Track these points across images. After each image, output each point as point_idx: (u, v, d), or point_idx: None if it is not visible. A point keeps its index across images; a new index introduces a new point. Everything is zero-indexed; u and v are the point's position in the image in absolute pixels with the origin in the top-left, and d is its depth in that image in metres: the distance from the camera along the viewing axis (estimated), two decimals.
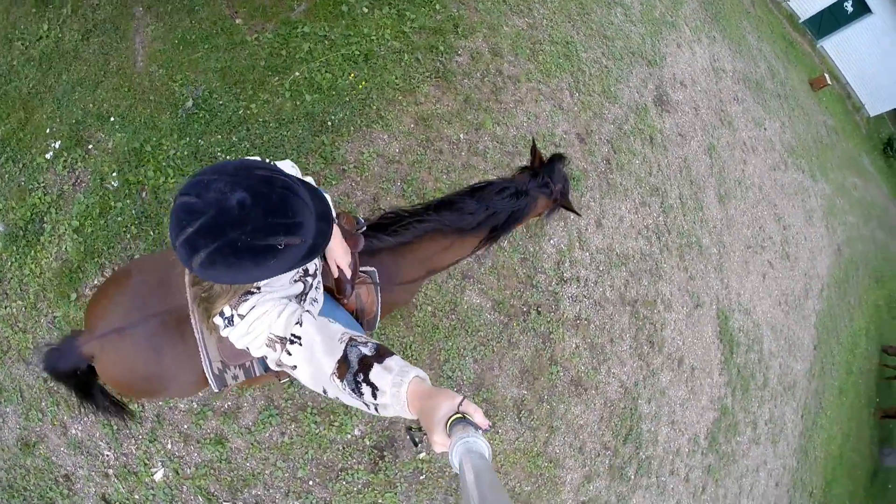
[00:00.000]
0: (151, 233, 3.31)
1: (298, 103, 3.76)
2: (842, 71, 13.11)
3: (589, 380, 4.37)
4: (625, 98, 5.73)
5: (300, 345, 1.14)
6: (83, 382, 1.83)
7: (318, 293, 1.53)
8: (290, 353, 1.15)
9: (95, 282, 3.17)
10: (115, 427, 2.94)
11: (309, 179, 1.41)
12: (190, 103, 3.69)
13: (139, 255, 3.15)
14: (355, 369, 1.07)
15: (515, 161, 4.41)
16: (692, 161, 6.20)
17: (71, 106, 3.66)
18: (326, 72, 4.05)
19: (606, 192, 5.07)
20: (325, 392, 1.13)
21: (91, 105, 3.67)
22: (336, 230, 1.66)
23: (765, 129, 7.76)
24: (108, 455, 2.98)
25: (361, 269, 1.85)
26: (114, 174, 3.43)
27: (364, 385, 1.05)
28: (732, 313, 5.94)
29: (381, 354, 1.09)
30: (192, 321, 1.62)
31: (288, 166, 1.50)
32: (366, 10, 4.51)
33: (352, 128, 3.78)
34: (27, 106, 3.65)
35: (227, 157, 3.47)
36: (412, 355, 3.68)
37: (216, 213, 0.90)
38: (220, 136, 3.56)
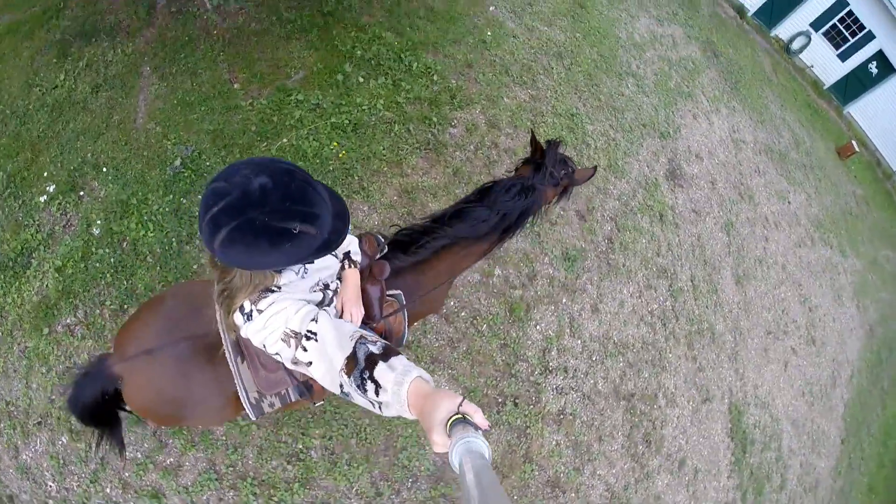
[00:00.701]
0: (125, 282, 3.37)
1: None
2: (870, 136, 12.34)
3: (569, 481, 3.87)
4: (633, 172, 5.31)
5: (315, 340, 1.15)
6: (107, 409, 1.82)
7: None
8: (305, 350, 1.15)
9: (68, 320, 3.25)
10: (62, 461, 2.98)
11: None
12: (178, 162, 3.76)
13: (176, 282, 3.28)
14: (362, 366, 1.07)
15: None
16: (707, 239, 5.69)
17: (72, 153, 3.83)
18: (314, 140, 4.00)
19: (606, 273, 4.69)
20: (341, 389, 1.11)
21: (90, 154, 3.83)
22: (355, 278, 1.70)
23: (789, 202, 7.18)
24: (51, 486, 2.99)
25: (388, 293, 1.85)
26: (99, 222, 3.54)
27: (369, 382, 1.05)
28: (747, 407, 5.31)
29: (388, 353, 1.08)
30: (227, 353, 1.62)
31: None
32: (361, 79, 4.45)
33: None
34: (35, 148, 3.85)
35: None
36: (367, 438, 3.35)
37: (240, 195, 0.96)
38: (201, 197, 3.46)
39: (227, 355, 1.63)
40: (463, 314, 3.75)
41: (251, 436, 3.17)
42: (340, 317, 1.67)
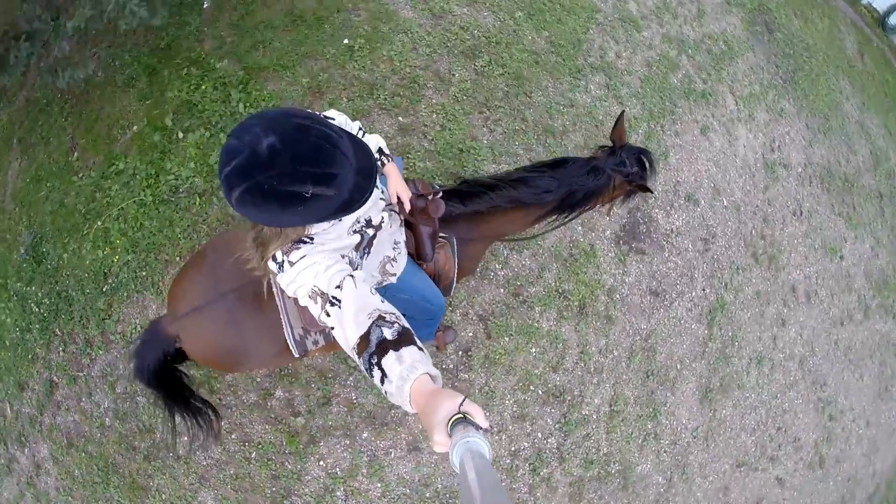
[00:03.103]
0: None
1: (94, 258, 3.11)
2: None
3: None
4: (549, 237, 3.37)
5: (339, 307, 1.03)
6: (172, 375, 1.79)
7: (400, 255, 1.56)
8: (328, 315, 1.05)
9: None
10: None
11: (356, 125, 1.43)
12: (23, 249, 3.32)
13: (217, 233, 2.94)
14: (372, 350, 0.95)
15: None
16: (665, 337, 3.67)
17: None
18: (122, 222, 3.16)
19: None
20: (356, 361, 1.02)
21: None
22: (394, 168, 1.59)
23: (841, 257, 4.55)
24: None
25: (441, 234, 1.74)
26: None
27: (376, 368, 0.93)
28: None
29: (400, 342, 0.94)
30: (274, 290, 1.54)
31: (334, 115, 1.41)
32: (181, 134, 3.28)
33: (125, 294, 3.04)
34: None
35: (44, 314, 3.16)
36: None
37: (249, 155, 0.87)
38: (36, 287, 3.23)
39: (274, 290, 1.53)
40: (234, 436, 2.89)
41: None
42: (391, 205, 1.58)
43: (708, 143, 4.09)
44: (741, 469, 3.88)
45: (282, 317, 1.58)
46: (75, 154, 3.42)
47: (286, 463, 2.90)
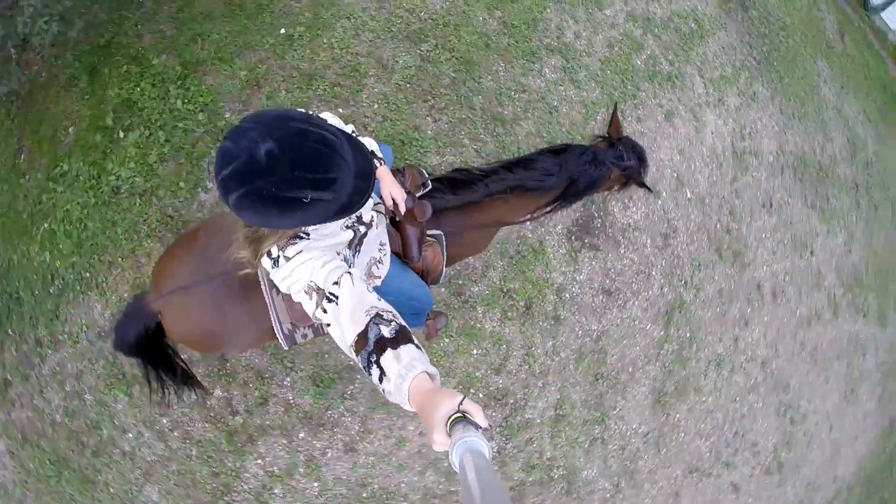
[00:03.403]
0: None
1: (41, 260, 2.91)
2: None
3: None
4: (500, 232, 2.85)
5: (336, 304, 0.99)
6: (153, 345, 1.72)
7: (385, 257, 1.52)
8: (325, 311, 1.01)
9: None
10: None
11: (349, 128, 1.38)
12: None
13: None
14: (370, 348, 0.92)
15: None
16: (618, 338, 3.43)
17: None
18: (67, 223, 2.93)
19: (383, 402, 2.93)
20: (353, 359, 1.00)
21: None
22: (386, 171, 1.56)
23: (812, 252, 4.30)
24: None
25: (429, 233, 1.67)
26: None
27: (374, 366, 0.91)
28: None
29: (399, 340, 0.92)
30: (262, 285, 1.51)
31: (328, 117, 1.37)
32: (121, 134, 3.00)
33: (70, 295, 2.85)
34: None
35: None
36: None
37: (246, 161, 0.83)
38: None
39: (262, 286, 1.50)
40: (176, 433, 2.79)
41: None
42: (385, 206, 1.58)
43: (672, 130, 3.76)
44: (694, 475, 3.65)
45: (270, 311, 1.53)
46: (22, 156, 3.17)
47: (226, 461, 2.80)
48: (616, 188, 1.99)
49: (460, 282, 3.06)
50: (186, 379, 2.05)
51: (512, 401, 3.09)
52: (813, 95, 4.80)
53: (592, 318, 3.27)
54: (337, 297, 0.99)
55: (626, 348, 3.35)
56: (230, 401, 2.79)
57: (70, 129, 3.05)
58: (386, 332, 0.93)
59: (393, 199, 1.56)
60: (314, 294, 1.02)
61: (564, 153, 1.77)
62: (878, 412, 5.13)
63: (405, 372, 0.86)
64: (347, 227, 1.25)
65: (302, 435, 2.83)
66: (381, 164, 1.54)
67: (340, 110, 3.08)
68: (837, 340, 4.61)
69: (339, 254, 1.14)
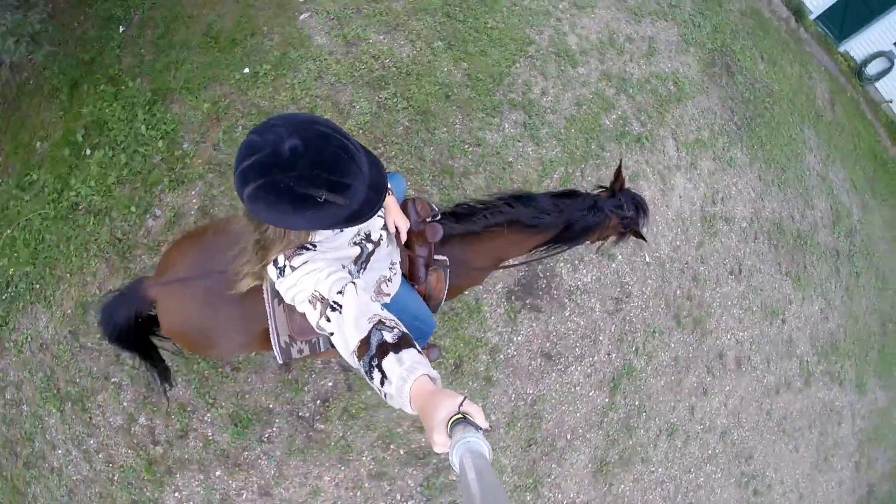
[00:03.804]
0: None
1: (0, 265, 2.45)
2: None
3: None
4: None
5: (340, 313, 0.82)
6: (138, 333, 1.43)
7: (395, 276, 1.31)
8: (329, 320, 0.84)
9: None
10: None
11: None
12: None
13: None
14: (372, 353, 0.77)
15: None
16: (557, 404, 2.64)
17: None
18: (28, 232, 2.48)
19: (302, 448, 2.25)
20: (356, 368, 0.82)
21: None
22: (392, 200, 1.32)
23: (783, 320, 3.36)
24: None
25: (436, 257, 1.41)
26: None
27: (376, 370, 0.75)
28: None
29: (400, 344, 0.77)
30: (265, 293, 1.22)
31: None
32: (89, 151, 2.54)
33: (20, 304, 2.40)
34: None
35: None
36: None
37: (269, 153, 0.70)
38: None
39: (264, 295, 1.22)
40: (100, 455, 2.24)
41: None
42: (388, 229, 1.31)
43: (636, 191, 2.94)
44: None
45: (269, 322, 1.27)
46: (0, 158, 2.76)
47: (145, 489, 2.25)
48: (613, 237, 1.69)
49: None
50: (163, 375, 1.68)
51: (434, 461, 2.37)
52: (796, 162, 3.81)
53: (528, 381, 2.51)
54: (340, 306, 0.83)
55: (564, 414, 2.57)
56: (153, 430, 2.24)
57: (45, 140, 2.65)
58: (388, 337, 0.77)
59: (396, 228, 1.31)
60: (318, 304, 0.86)
61: (563, 197, 1.51)
62: (855, 480, 3.99)
63: (407, 374, 0.71)
64: (355, 243, 1.04)
65: (218, 473, 2.22)
66: (389, 193, 1.29)
67: None
68: (809, 409, 3.57)
69: (343, 266, 0.95)
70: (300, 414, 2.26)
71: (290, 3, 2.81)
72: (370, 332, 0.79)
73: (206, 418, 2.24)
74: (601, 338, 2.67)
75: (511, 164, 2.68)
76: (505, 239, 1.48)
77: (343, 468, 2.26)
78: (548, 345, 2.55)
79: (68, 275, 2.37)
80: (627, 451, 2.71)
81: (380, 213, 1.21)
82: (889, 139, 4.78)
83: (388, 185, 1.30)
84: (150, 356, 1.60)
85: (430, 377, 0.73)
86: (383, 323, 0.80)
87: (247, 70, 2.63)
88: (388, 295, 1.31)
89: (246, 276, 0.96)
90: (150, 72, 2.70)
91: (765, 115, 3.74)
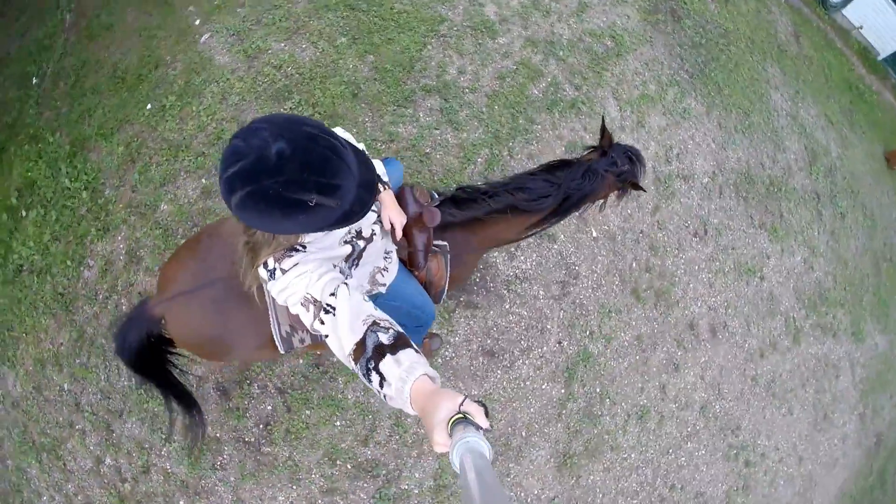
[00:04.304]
0: None
1: None
2: None
3: None
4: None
5: (334, 315, 0.81)
6: (155, 352, 1.37)
7: (391, 264, 1.27)
8: (322, 322, 0.82)
9: None
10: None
11: (361, 146, 0.94)
12: None
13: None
14: (369, 355, 0.75)
15: None
16: (507, 401, 2.47)
17: None
18: None
19: (252, 472, 2.19)
20: (353, 369, 0.79)
21: None
22: (389, 196, 1.25)
23: (761, 277, 3.10)
24: None
25: (435, 242, 1.37)
26: None
27: (374, 373, 0.74)
28: None
29: (397, 345, 0.75)
30: (264, 286, 1.08)
31: (339, 132, 1.03)
32: (24, 213, 2.50)
33: None
34: None
35: None
36: None
37: (255, 160, 0.67)
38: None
39: (264, 287, 1.05)
40: (79, 497, 2.21)
41: None
42: (384, 223, 1.24)
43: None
44: None
45: (269, 312, 1.24)
46: None
47: None
48: (615, 195, 1.60)
49: (318, 352, 2.27)
50: (183, 398, 1.60)
51: (384, 472, 2.25)
52: (761, 104, 3.50)
53: (472, 382, 2.34)
54: (334, 308, 0.80)
55: (516, 411, 2.40)
56: (119, 468, 2.22)
57: None
58: (384, 338, 0.76)
59: (391, 224, 1.25)
60: (311, 306, 0.83)
61: (558, 171, 1.44)
62: (860, 432, 3.75)
63: (406, 375, 0.70)
64: (346, 241, 1.01)
65: (182, 503, 2.20)
66: (384, 189, 1.25)
67: (204, 181, 2.38)
68: (801, 368, 3.33)
69: (335, 266, 0.93)
70: (246, 439, 2.21)
71: (189, 27, 2.65)
72: (365, 334, 0.77)
73: (162, 453, 2.22)
74: (549, 326, 2.47)
75: (428, 156, 2.48)
76: (507, 222, 1.44)
77: (295, 487, 2.18)
78: (489, 342, 2.37)
79: (24, 334, 2.34)
80: (593, 440, 2.54)
81: (374, 209, 1.19)
82: (864, 67, 4.36)
83: (386, 179, 1.25)
84: (171, 383, 1.55)
85: (429, 376, 0.71)
86: (378, 324, 0.78)
87: (149, 106, 2.52)
88: (384, 285, 1.27)
89: (246, 276, 0.93)
90: (66, 123, 2.61)
91: (720, 59, 3.42)
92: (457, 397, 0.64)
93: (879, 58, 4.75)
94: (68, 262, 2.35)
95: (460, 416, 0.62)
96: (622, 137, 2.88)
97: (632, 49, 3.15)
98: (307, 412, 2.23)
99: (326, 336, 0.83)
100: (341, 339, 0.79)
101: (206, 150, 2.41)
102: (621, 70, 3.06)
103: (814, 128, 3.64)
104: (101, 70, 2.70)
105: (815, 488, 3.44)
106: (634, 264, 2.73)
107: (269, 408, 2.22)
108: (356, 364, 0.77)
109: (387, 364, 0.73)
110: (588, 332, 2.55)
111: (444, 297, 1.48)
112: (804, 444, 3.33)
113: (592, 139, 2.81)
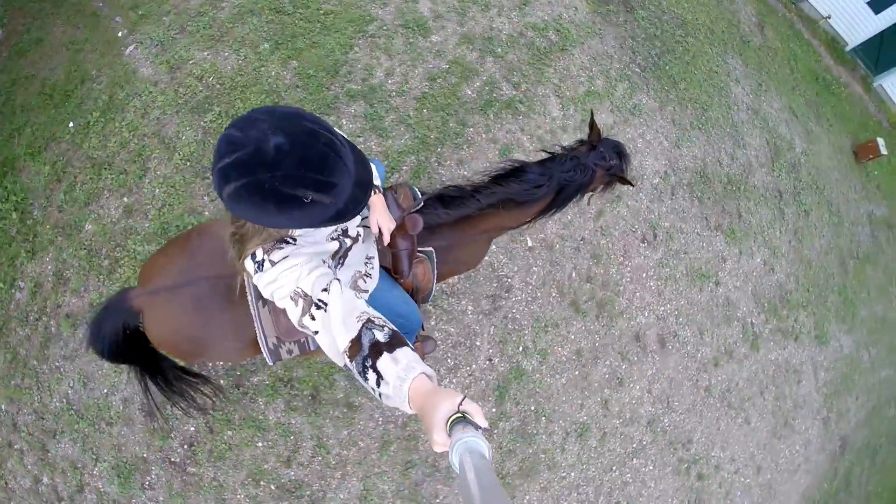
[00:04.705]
0: None
1: None
2: None
3: None
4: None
5: (325, 311, 0.78)
6: (130, 344, 1.30)
7: (373, 270, 1.23)
8: (313, 318, 0.79)
9: None
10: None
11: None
12: None
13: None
14: (365, 353, 0.73)
15: None
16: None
17: None
18: None
19: (180, 490, 1.83)
20: (345, 366, 0.78)
21: None
22: (379, 199, 1.23)
23: (716, 282, 2.97)
24: None
25: (419, 249, 1.34)
26: None
27: (370, 371, 0.72)
28: None
29: (393, 343, 0.73)
30: (248, 296, 1.19)
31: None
32: None
33: None
34: None
35: None
36: None
37: (253, 151, 0.64)
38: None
39: (248, 298, 1.18)
40: None
41: None
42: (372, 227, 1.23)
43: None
44: None
45: (256, 325, 1.20)
46: None
47: None
48: (601, 188, 1.59)
49: (237, 372, 2.15)
50: (184, 387, 1.57)
51: (308, 493, 2.15)
52: (720, 98, 3.32)
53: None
54: (326, 304, 0.78)
55: None
56: (55, 487, 2.16)
57: None
58: (380, 336, 0.73)
59: (379, 228, 1.23)
60: (300, 301, 0.80)
61: (550, 163, 1.41)
62: (824, 436, 3.64)
63: (404, 374, 0.68)
64: (333, 238, 0.98)
65: None
66: (376, 192, 1.21)
67: (125, 199, 2.25)
68: (759, 374, 3.20)
69: (324, 262, 0.89)
70: (172, 459, 2.16)
71: (115, 38, 2.48)
72: (360, 331, 0.75)
73: (94, 472, 2.17)
74: (478, 343, 2.34)
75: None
76: (499, 217, 1.41)
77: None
78: None
79: None
80: (528, 459, 2.42)
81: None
82: (831, 58, 4.15)
83: (377, 183, 1.20)
84: (156, 367, 1.48)
85: (427, 375, 0.70)
86: (373, 321, 0.76)
87: (71, 125, 2.37)
88: (367, 292, 1.23)
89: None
90: None
91: (676, 51, 3.24)
92: (456, 396, 0.63)
93: (848, 48, 4.53)
94: (1, 284, 2.24)
95: (459, 415, 0.61)
96: (563, 138, 2.72)
97: (578, 43, 2.97)
98: (229, 433, 2.15)
99: (316, 332, 0.80)
100: (335, 335, 0.76)
101: (128, 168, 2.28)
102: (565, 66, 2.88)
103: (777, 122, 3.46)
104: (30, 87, 2.54)
105: (775, 497, 3.34)
106: (574, 274, 2.58)
107: (192, 429, 2.16)
108: (351, 361, 0.74)
109: (384, 362, 0.71)
110: (521, 348, 2.42)
111: (431, 296, 1.45)
112: (763, 453, 3.21)
113: (529, 141, 2.64)
